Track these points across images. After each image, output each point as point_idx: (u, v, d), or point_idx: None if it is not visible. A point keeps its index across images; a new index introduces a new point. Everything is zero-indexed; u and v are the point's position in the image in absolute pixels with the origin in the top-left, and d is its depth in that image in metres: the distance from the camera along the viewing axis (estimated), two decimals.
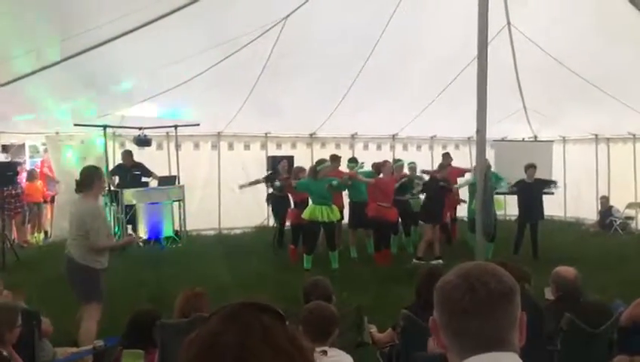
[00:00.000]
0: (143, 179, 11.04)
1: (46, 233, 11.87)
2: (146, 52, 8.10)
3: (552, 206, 11.79)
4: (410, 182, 10.04)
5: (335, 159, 9.97)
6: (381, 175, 9.64)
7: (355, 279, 7.79)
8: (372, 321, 4.64)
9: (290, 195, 10.11)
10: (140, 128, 10.86)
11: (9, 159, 11.34)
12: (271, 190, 10.51)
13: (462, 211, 11.35)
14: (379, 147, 13.66)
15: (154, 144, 11.47)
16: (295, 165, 10.66)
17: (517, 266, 4.01)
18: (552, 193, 10.95)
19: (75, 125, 10.19)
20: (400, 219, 9.94)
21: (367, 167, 10.16)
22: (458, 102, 9.77)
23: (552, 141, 13.75)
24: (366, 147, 13.52)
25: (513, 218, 11.02)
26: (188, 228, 11.30)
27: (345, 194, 10.09)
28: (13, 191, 10.43)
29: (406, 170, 10.59)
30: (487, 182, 6.64)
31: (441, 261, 8.72)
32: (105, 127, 10.42)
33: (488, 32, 6.04)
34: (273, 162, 10.98)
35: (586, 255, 8.98)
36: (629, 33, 8.26)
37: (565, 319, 3.87)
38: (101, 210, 5.70)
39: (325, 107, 11.33)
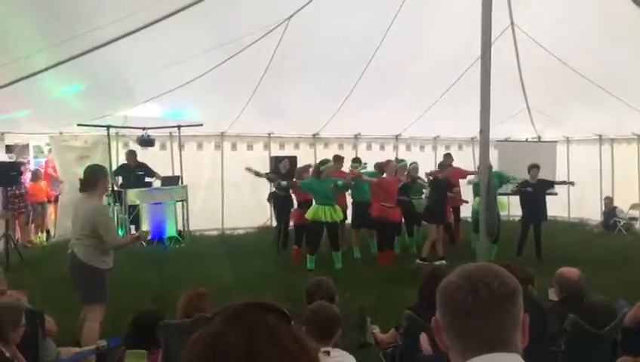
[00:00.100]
0: (147, 180, 11.06)
1: (48, 232, 11.90)
2: (149, 52, 8.11)
3: (556, 206, 11.77)
4: (413, 182, 10.02)
5: (338, 159, 9.98)
6: (384, 174, 9.62)
7: (358, 279, 7.78)
8: (375, 322, 4.64)
9: (293, 195, 10.11)
10: (144, 128, 10.88)
11: (13, 159, 11.36)
12: (273, 189, 10.49)
13: (465, 211, 11.35)
14: (382, 147, 13.65)
15: (157, 144, 11.49)
16: (298, 165, 10.68)
17: (521, 268, 4.02)
18: (556, 193, 10.92)
19: (79, 125, 10.22)
20: (403, 220, 9.94)
21: (370, 168, 10.16)
22: (461, 103, 9.76)
23: (555, 141, 13.72)
24: (369, 147, 13.52)
25: (517, 219, 11.00)
26: (191, 229, 11.31)
27: (348, 194, 10.09)
28: (17, 191, 10.46)
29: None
30: (490, 183, 6.61)
31: (444, 261, 8.71)
32: (108, 127, 10.45)
33: (492, 33, 6.03)
34: (276, 162, 10.98)
35: (589, 255, 8.96)
36: (633, 33, 8.23)
37: (569, 320, 3.86)
38: (108, 208, 5.72)
39: (328, 107, 11.33)
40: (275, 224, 10.93)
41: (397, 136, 13.70)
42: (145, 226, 10.74)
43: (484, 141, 6.22)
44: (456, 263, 1.43)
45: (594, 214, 13.25)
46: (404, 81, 10.23)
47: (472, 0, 6.27)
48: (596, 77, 9.60)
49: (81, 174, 5.44)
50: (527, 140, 14.22)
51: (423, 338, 3.61)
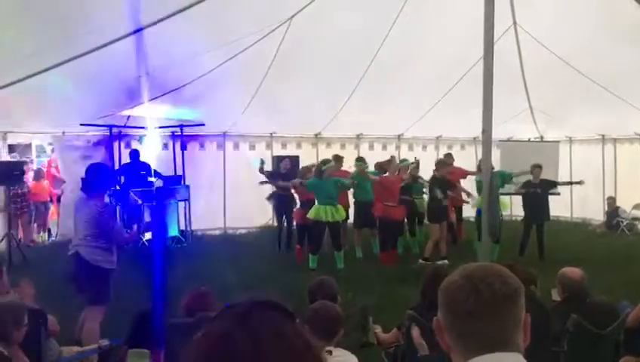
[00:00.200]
0: (149, 179, 11.07)
1: (49, 231, 11.92)
2: (151, 52, 8.11)
3: (559, 206, 11.76)
4: (414, 181, 10.00)
5: (338, 159, 9.95)
6: (386, 173, 9.62)
7: (360, 279, 7.78)
8: (377, 321, 4.63)
9: (296, 195, 10.10)
10: (146, 128, 10.91)
11: (17, 158, 11.39)
12: (273, 189, 10.47)
13: (467, 211, 11.34)
14: (384, 147, 13.64)
15: (160, 144, 11.51)
16: (301, 165, 10.68)
17: (523, 269, 4.02)
18: (558, 193, 10.90)
19: (82, 125, 10.24)
20: (405, 219, 9.93)
21: (371, 168, 10.15)
22: (464, 103, 9.73)
23: (558, 141, 13.69)
24: (371, 147, 13.51)
25: (519, 218, 10.99)
26: (193, 228, 11.33)
27: (350, 193, 10.09)
28: (20, 191, 10.48)
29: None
30: (492, 183, 6.59)
31: (446, 261, 8.70)
32: (111, 126, 10.47)
33: (494, 32, 6.02)
34: (278, 162, 10.99)
35: (592, 256, 8.95)
36: (635, 33, 8.21)
37: (571, 320, 3.86)
38: (111, 207, 5.71)
39: (330, 107, 11.33)
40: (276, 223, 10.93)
41: (399, 135, 13.69)
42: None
43: (486, 141, 6.21)
44: (459, 263, 1.43)
45: (597, 214, 13.23)
46: (407, 81, 10.22)
47: (474, 0, 6.26)
48: (599, 77, 9.58)
49: (83, 174, 5.43)
50: (529, 140, 14.20)
51: (416, 333, 3.61)
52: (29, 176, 11.48)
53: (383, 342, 4.45)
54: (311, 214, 8.80)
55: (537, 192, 9.62)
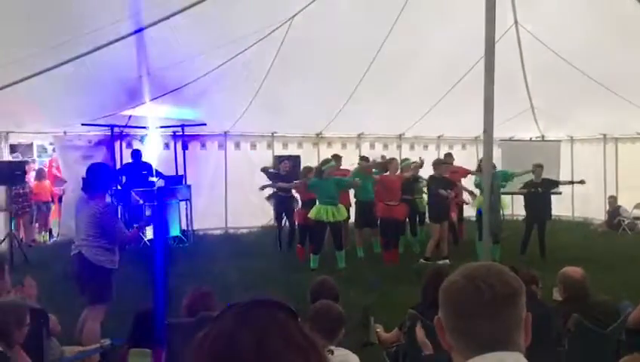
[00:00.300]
0: (150, 179, 11.09)
1: (50, 231, 11.94)
2: (152, 52, 8.11)
3: (560, 206, 11.75)
4: (415, 180, 9.99)
5: (337, 159, 9.95)
6: (387, 172, 9.62)
7: (361, 278, 7.78)
8: (378, 321, 4.64)
9: (297, 195, 10.11)
10: (147, 128, 10.92)
11: (19, 158, 11.41)
12: (274, 190, 10.48)
13: (468, 211, 11.33)
14: (385, 147, 13.64)
15: (161, 144, 11.52)
16: (302, 165, 10.68)
17: (525, 270, 4.02)
18: (560, 193, 10.90)
19: (83, 125, 10.25)
20: (407, 218, 9.92)
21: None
22: (465, 102, 9.74)
23: (559, 141, 13.70)
24: (372, 146, 13.50)
25: (521, 218, 10.98)
26: (195, 228, 11.34)
27: (351, 193, 10.10)
28: (21, 191, 10.49)
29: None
30: (493, 183, 6.59)
31: (447, 261, 8.70)
32: (112, 126, 10.48)
33: (495, 32, 6.01)
34: (279, 162, 11.00)
35: (594, 255, 8.95)
36: (637, 32, 8.21)
37: (572, 319, 3.86)
38: (113, 207, 5.71)
39: (332, 107, 11.33)
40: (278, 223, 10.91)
41: (400, 135, 13.69)
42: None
43: (487, 140, 6.20)
44: (460, 263, 1.43)
45: (598, 213, 13.23)
46: (408, 81, 10.22)
47: None
48: (600, 76, 9.58)
49: (84, 173, 5.43)
50: (531, 140, 14.20)
51: (420, 332, 3.60)
52: (31, 176, 11.49)
53: (385, 342, 4.45)
54: (312, 214, 8.80)
55: (539, 192, 9.61)
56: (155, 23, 7.10)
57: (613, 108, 10.75)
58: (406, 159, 10.77)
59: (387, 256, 9.24)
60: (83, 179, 5.40)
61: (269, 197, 10.73)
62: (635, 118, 10.97)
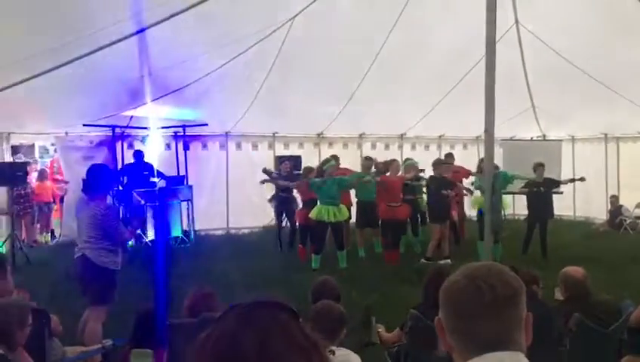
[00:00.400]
0: (152, 179, 11.10)
1: (52, 232, 11.95)
2: (154, 52, 8.12)
3: (562, 205, 11.73)
4: (417, 180, 9.99)
5: (336, 159, 9.93)
6: (388, 173, 9.62)
7: (363, 278, 7.78)
8: (380, 321, 4.64)
9: (298, 195, 10.11)
10: (148, 128, 10.94)
11: (22, 159, 11.42)
12: (275, 191, 10.49)
13: (468, 211, 11.32)
14: (387, 147, 13.64)
15: (162, 144, 11.53)
16: (303, 165, 10.69)
17: (526, 270, 4.02)
18: (561, 192, 10.89)
19: (84, 125, 10.27)
20: (408, 219, 9.92)
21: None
22: (466, 102, 9.74)
23: (561, 140, 13.69)
24: (374, 146, 13.51)
25: (522, 217, 10.98)
26: (196, 228, 11.35)
27: (352, 193, 10.10)
28: (23, 191, 10.51)
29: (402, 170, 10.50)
30: (495, 182, 6.59)
31: (449, 261, 8.69)
32: (113, 127, 10.49)
33: (496, 31, 6.02)
34: (280, 162, 11.01)
35: (595, 254, 8.94)
36: (638, 31, 8.20)
37: (574, 319, 3.86)
38: (114, 208, 5.71)
39: (333, 107, 11.33)
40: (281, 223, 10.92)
41: (402, 135, 13.69)
42: (150, 226, 10.77)
43: (488, 140, 6.21)
44: (461, 263, 1.43)
45: (600, 213, 13.22)
46: (409, 81, 10.22)
47: None
48: (601, 75, 9.57)
49: (85, 174, 5.43)
50: (532, 139, 14.19)
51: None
52: (33, 177, 11.50)
53: (386, 342, 4.46)
54: (313, 214, 8.81)
55: (540, 191, 9.60)
56: (156, 24, 7.10)
57: (614, 108, 10.74)
58: (408, 159, 10.77)
59: (388, 256, 9.24)
60: (83, 180, 5.39)
61: (270, 199, 10.74)
62: (636, 117, 10.95)
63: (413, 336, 4.02)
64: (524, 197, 10.16)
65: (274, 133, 12.65)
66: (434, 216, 9.50)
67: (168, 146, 11.96)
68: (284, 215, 10.42)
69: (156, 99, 9.69)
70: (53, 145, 11.98)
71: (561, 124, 13.13)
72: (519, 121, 12.42)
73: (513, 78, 10.23)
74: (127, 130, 11.24)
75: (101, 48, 7.30)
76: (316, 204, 9.02)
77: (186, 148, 11.65)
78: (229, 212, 12.22)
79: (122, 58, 7.88)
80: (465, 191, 10.50)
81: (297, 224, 10.08)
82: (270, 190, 10.73)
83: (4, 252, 8.89)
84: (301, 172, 10.14)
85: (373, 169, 9.87)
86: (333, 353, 2.98)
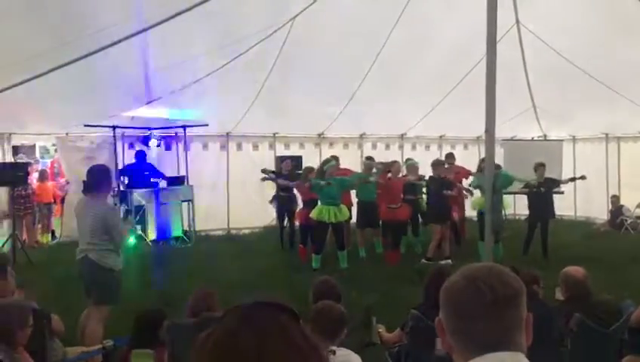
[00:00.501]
0: (152, 180, 11.11)
1: (53, 233, 11.95)
2: (155, 53, 8.13)
3: (563, 205, 11.73)
4: (418, 179, 9.98)
5: (336, 159, 9.93)
6: (389, 175, 9.62)
7: (363, 279, 7.78)
8: (380, 321, 4.64)
9: (299, 195, 10.11)
10: (149, 129, 10.94)
11: (23, 160, 11.42)
12: (275, 191, 10.49)
13: (468, 211, 11.31)
14: (387, 147, 13.65)
15: (162, 144, 11.54)
16: (304, 165, 10.69)
17: (526, 270, 4.02)
18: (562, 192, 10.89)
19: (85, 126, 10.27)
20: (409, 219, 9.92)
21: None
22: (467, 102, 9.73)
23: (561, 140, 13.69)
24: (374, 146, 13.51)
25: (522, 217, 10.97)
26: (197, 228, 11.35)
27: (353, 193, 10.10)
28: (24, 192, 10.51)
29: (404, 170, 10.51)
30: (496, 182, 6.59)
31: (450, 261, 8.69)
32: (114, 127, 10.50)
33: (497, 31, 6.02)
34: (280, 162, 11.01)
35: (596, 254, 8.94)
36: (639, 31, 8.20)
37: (575, 319, 3.86)
38: (117, 209, 5.71)
39: (333, 107, 11.33)
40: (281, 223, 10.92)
41: (402, 135, 13.69)
42: (150, 226, 10.78)
43: (489, 140, 6.21)
44: (462, 263, 1.43)
45: (600, 213, 13.22)
46: (409, 81, 10.22)
47: None
48: (602, 75, 9.56)
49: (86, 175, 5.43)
50: (532, 139, 14.19)
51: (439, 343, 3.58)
52: (33, 178, 11.50)
53: (387, 342, 4.46)
54: (314, 214, 8.81)
55: (541, 191, 9.60)
56: (157, 24, 7.10)
57: (615, 108, 10.74)
58: (409, 159, 10.77)
59: (389, 257, 9.24)
60: (84, 181, 5.39)
61: (271, 200, 10.75)
62: (637, 117, 10.95)
63: (413, 336, 4.02)
64: (524, 197, 10.16)
65: (274, 134, 12.65)
66: (434, 216, 9.50)
67: (169, 146, 11.96)
68: (286, 215, 10.41)
69: (157, 99, 9.71)
70: (54, 145, 11.98)
71: (562, 124, 13.12)
72: (520, 121, 12.42)
73: (514, 78, 10.22)
74: (129, 131, 11.25)
75: (102, 49, 7.30)
76: (317, 203, 9.02)
77: (187, 148, 11.66)
78: (229, 212, 12.23)
79: (123, 58, 7.88)
80: (465, 193, 10.50)
81: (298, 224, 10.08)
82: (271, 190, 10.74)
83: (5, 252, 8.91)
84: (302, 172, 10.14)
85: (374, 170, 9.86)
86: (334, 353, 2.98)
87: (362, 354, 3.29)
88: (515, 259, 7.96)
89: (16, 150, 11.38)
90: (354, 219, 10.11)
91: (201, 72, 8.99)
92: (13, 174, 9.27)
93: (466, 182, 10.72)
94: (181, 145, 11.83)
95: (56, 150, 11.99)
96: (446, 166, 10.22)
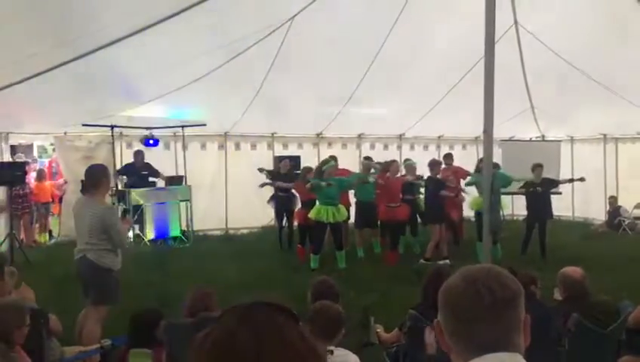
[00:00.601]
0: (151, 179, 11.10)
1: (50, 232, 11.94)
2: (153, 52, 8.12)
3: (560, 206, 11.75)
4: (417, 179, 9.99)
5: (335, 159, 9.93)
6: (388, 173, 9.62)
7: (362, 279, 7.79)
8: (378, 321, 4.64)
9: (297, 195, 10.11)
10: (148, 128, 10.93)
11: (22, 159, 11.41)
12: (273, 191, 10.49)
13: (467, 211, 11.32)
14: (385, 147, 13.64)
15: (161, 144, 11.53)
16: (302, 165, 10.68)
17: (524, 271, 4.03)
18: (560, 193, 10.90)
19: (84, 125, 10.26)
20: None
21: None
22: (465, 102, 9.74)
23: (559, 141, 13.71)
24: (373, 147, 13.51)
25: (520, 218, 10.98)
26: (195, 228, 11.34)
27: (351, 193, 10.10)
28: (21, 191, 10.49)
29: (402, 170, 10.52)
30: (493, 182, 6.59)
31: (448, 261, 8.70)
32: (112, 127, 10.49)
33: (495, 32, 6.02)
34: (279, 161, 11.01)
35: (594, 255, 8.94)
36: (637, 32, 8.20)
37: (572, 319, 3.86)
38: (115, 209, 5.70)
39: (332, 107, 11.33)
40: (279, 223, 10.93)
41: (400, 135, 13.69)
42: (149, 226, 10.77)
43: (487, 141, 6.21)
44: (460, 263, 1.43)
45: (598, 213, 13.23)
46: (408, 81, 10.21)
47: None
48: (600, 76, 9.57)
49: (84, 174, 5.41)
50: (531, 140, 14.21)
51: (429, 331, 3.59)
52: (31, 177, 11.49)
53: (385, 342, 4.46)
54: (312, 214, 8.81)
55: (538, 191, 9.61)
56: (155, 24, 7.09)
57: (613, 108, 10.74)
58: (407, 159, 10.78)
59: (388, 257, 9.24)
60: (82, 181, 5.36)
61: (269, 200, 10.75)
62: (635, 117, 10.95)
63: (411, 336, 4.02)
64: (522, 198, 10.18)
65: (273, 134, 12.65)
66: (431, 216, 9.51)
67: (167, 146, 11.95)
68: (284, 215, 10.41)
69: (155, 99, 9.69)
70: (52, 145, 11.97)
71: (560, 125, 13.14)
72: (518, 122, 12.43)
73: (512, 79, 10.23)
74: (127, 130, 11.23)
75: (100, 48, 7.30)
76: (315, 204, 9.02)
77: (185, 148, 11.64)
78: (227, 212, 12.23)
79: (121, 57, 7.87)
80: (463, 194, 10.53)
81: (296, 224, 10.08)
82: (269, 190, 10.73)
83: (2, 251, 8.90)
84: (300, 172, 10.14)
85: (372, 170, 9.87)
86: (332, 353, 2.98)
87: (360, 354, 3.29)
88: (513, 260, 7.97)
89: (13, 149, 11.37)
90: (352, 220, 10.11)
91: (199, 71, 8.98)
92: (11, 173, 9.25)
93: (462, 183, 10.73)
94: (179, 145, 11.82)
95: (54, 149, 11.98)
96: (443, 166, 10.25)
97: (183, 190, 11.10)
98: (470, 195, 10.53)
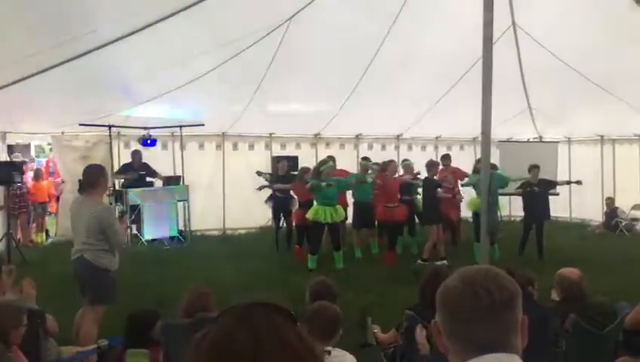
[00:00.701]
0: (148, 179, 11.09)
1: (47, 232, 11.92)
2: (151, 52, 8.11)
3: (558, 207, 11.76)
4: (414, 179, 10.00)
5: (333, 160, 9.93)
6: (386, 172, 9.62)
7: (359, 279, 7.79)
8: (376, 322, 4.64)
9: (295, 195, 10.10)
10: (145, 128, 10.91)
11: (19, 158, 11.39)
12: (271, 191, 10.49)
13: (465, 212, 11.33)
14: (383, 147, 13.65)
15: (159, 144, 11.52)
16: (300, 165, 10.68)
17: (521, 272, 4.03)
18: (557, 194, 10.91)
19: (81, 125, 10.25)
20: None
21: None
22: (463, 103, 9.74)
23: (557, 142, 13.73)
24: (370, 147, 13.52)
25: (518, 219, 10.99)
26: (192, 228, 11.34)
27: (349, 193, 10.10)
28: (18, 191, 10.47)
29: (401, 170, 10.53)
30: (491, 182, 6.59)
31: (445, 262, 8.71)
32: (110, 126, 10.48)
33: (493, 33, 6.02)
34: (276, 163, 11.01)
35: (591, 256, 8.96)
36: (635, 34, 8.22)
37: (570, 320, 3.87)
38: (113, 209, 5.69)
39: (330, 107, 11.33)
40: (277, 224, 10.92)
41: (398, 136, 13.70)
42: (146, 226, 10.76)
43: (485, 141, 6.21)
44: (458, 264, 1.43)
45: (595, 215, 13.25)
46: (406, 81, 10.21)
47: (473, 0, 6.26)
48: (598, 77, 9.58)
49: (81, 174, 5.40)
50: (528, 140, 14.23)
51: (420, 330, 3.59)
52: (28, 177, 11.47)
53: (382, 343, 4.46)
54: (310, 214, 8.80)
55: (535, 192, 9.63)
56: (154, 23, 7.09)
57: (610, 110, 10.76)
58: (405, 160, 10.78)
59: (385, 257, 9.25)
60: (79, 181, 5.35)
61: (267, 200, 10.74)
62: (632, 119, 10.98)
63: (409, 337, 4.02)
64: (520, 199, 10.19)
65: (271, 134, 12.65)
66: (429, 217, 9.51)
67: (165, 146, 11.94)
68: (282, 216, 10.41)
69: (153, 98, 9.68)
70: (49, 144, 11.95)
71: (557, 126, 13.15)
72: (516, 123, 12.45)
73: (510, 80, 10.24)
74: (124, 130, 11.22)
75: (98, 48, 7.29)
76: (313, 204, 9.02)
77: (183, 148, 11.63)
78: (225, 212, 12.22)
79: (119, 57, 7.86)
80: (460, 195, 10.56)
81: (293, 224, 10.07)
82: (267, 190, 10.72)
83: None
84: (297, 172, 10.14)
85: (369, 170, 9.87)
86: (329, 353, 2.98)
87: (358, 355, 3.29)
88: (511, 261, 7.98)
89: (11, 149, 11.34)
90: (350, 220, 10.11)
91: (197, 71, 8.97)
92: (9, 173, 9.23)
93: (460, 184, 10.74)
94: (177, 145, 11.81)
95: (51, 149, 11.96)
96: (441, 167, 10.25)
97: (180, 190, 11.09)
98: (465, 196, 10.53)
